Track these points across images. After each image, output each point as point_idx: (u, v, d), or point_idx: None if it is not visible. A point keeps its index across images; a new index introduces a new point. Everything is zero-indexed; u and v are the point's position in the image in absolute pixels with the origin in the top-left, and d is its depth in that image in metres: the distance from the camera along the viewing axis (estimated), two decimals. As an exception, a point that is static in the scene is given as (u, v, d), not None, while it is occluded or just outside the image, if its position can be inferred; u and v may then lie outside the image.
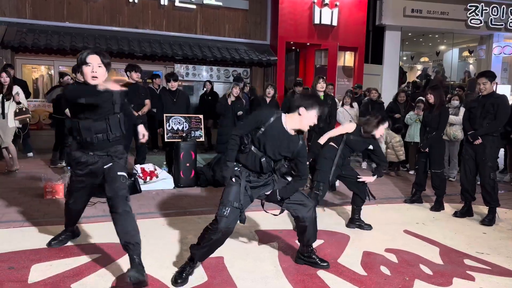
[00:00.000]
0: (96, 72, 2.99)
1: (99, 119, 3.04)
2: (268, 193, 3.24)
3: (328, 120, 6.25)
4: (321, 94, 6.22)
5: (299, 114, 3.02)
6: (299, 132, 3.12)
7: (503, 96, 4.97)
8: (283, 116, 3.10)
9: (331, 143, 4.37)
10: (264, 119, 3.05)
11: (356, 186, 4.42)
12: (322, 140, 4.39)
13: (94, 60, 3.00)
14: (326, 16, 11.30)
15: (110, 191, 3.00)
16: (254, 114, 3.19)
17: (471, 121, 4.99)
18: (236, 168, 3.09)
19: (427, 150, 5.37)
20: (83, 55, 3.02)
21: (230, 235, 3.05)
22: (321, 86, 6.21)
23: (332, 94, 7.78)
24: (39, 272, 3.09)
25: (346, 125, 4.53)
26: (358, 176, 4.39)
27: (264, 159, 3.06)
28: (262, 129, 3.02)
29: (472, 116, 4.97)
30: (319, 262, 3.40)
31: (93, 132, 3.02)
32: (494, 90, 5.12)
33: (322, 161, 4.35)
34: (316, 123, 3.09)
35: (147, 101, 6.55)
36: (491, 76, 4.86)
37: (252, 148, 3.07)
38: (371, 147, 4.38)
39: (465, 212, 5.10)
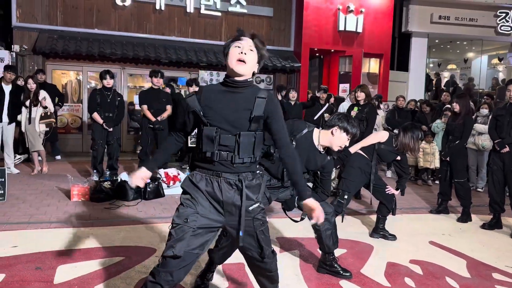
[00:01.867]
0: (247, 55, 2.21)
1: None
2: (287, 198, 3.23)
3: (364, 129, 6.00)
4: (361, 103, 6.07)
5: (332, 134, 3.02)
6: (327, 151, 3.10)
7: None
8: (315, 130, 3.09)
9: (359, 151, 4.30)
10: (296, 130, 3.04)
11: (383, 195, 4.34)
12: (353, 149, 4.31)
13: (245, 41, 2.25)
14: (351, 22, 11.23)
15: None
16: (286, 124, 3.17)
17: (498, 130, 4.86)
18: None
19: (448, 159, 5.28)
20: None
21: None
22: (357, 95, 6.11)
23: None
24: (64, 273, 3.16)
25: (379, 133, 4.44)
26: (387, 187, 4.33)
27: None
28: (294, 142, 3.00)
29: (500, 124, 4.85)
30: (341, 271, 3.35)
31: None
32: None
33: (349, 170, 4.29)
34: (347, 145, 3.08)
35: (168, 107, 6.60)
36: None
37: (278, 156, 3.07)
38: (398, 158, 4.31)
39: (493, 224, 4.94)
